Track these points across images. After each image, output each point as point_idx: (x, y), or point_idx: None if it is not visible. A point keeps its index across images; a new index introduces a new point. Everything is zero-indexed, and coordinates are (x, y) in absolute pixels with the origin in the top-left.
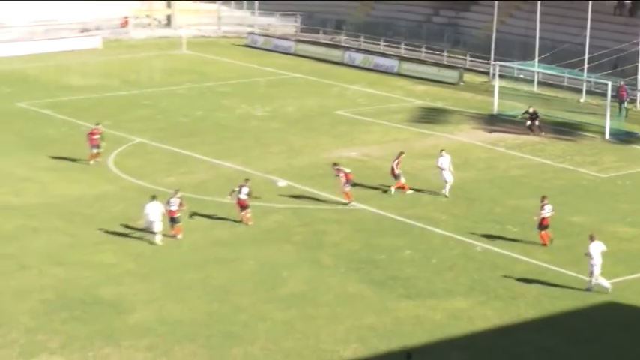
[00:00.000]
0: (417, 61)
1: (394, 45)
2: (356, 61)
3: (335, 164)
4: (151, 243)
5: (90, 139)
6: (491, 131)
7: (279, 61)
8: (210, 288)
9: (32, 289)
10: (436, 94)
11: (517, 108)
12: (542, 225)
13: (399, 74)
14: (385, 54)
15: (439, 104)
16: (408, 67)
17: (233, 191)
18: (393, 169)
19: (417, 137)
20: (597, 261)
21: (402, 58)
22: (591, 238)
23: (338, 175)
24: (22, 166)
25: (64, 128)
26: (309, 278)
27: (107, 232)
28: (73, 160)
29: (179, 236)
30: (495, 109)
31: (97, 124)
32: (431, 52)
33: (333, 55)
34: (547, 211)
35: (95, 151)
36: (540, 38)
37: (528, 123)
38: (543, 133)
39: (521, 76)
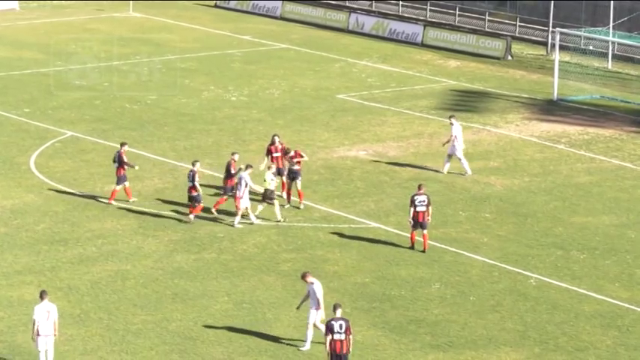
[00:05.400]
0: (449, 28)
1: (417, 5)
2: (365, 28)
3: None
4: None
5: (120, 167)
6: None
7: (261, 27)
8: (167, 335)
9: None
10: (474, 73)
11: (585, 91)
12: (417, 221)
13: (423, 45)
14: (405, 17)
15: (478, 86)
16: (436, 36)
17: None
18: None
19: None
20: None
21: (428, 23)
22: None
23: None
24: None
25: None
26: (302, 322)
27: (28, 258)
28: None
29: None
30: (555, 93)
31: (123, 144)
32: (467, 14)
33: (335, 20)
34: (420, 204)
35: (126, 185)
36: None
37: None
38: None
39: (591, 47)
